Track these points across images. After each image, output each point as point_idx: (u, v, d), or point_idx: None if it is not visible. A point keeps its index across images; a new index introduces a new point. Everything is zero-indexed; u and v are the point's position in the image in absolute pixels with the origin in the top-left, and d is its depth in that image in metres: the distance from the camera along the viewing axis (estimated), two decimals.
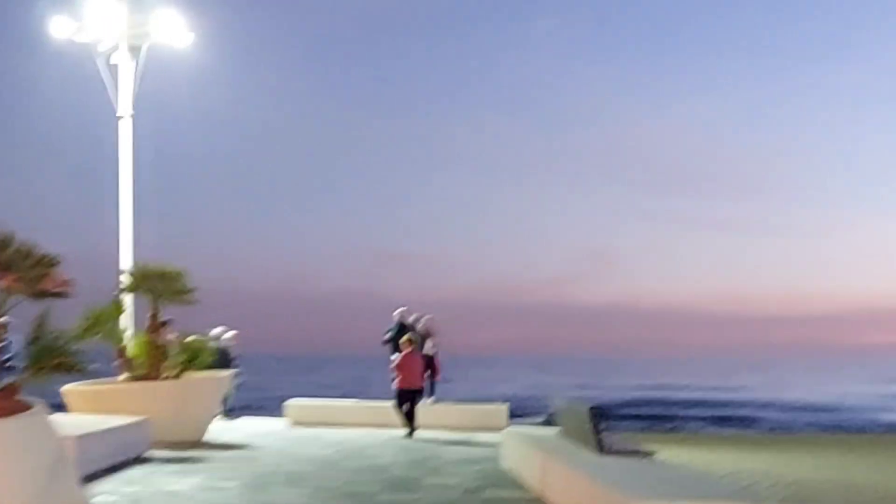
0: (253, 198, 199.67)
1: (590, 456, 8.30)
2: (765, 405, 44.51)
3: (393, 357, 15.98)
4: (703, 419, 36.01)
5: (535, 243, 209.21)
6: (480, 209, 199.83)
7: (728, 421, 35.24)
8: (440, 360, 17.69)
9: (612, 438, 8.60)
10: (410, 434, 15.20)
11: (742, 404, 44.97)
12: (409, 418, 15.39)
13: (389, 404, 16.31)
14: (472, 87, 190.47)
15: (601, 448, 8.32)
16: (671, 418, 35.54)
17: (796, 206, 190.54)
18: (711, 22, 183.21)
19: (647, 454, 8.38)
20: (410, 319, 17.59)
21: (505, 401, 19.27)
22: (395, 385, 15.52)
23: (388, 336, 17.27)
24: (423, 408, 16.77)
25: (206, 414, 14.59)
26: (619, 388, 64.15)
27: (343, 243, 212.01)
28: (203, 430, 14.31)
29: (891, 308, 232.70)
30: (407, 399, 15.44)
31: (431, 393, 17.44)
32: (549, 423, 15.29)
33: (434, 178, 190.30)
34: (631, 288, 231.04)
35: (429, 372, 17.20)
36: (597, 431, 8.37)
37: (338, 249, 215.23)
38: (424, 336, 17.39)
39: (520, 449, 10.03)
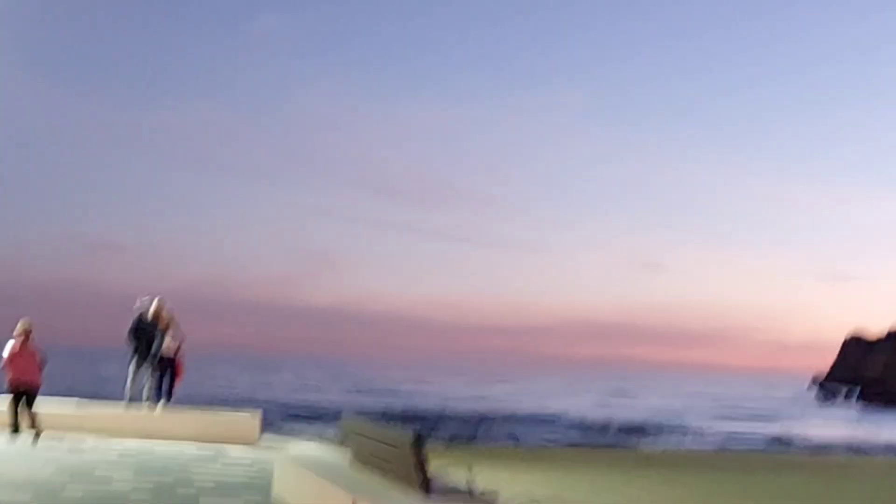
0: None
1: (413, 500, 6.18)
2: (511, 417, 44.23)
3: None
4: (464, 431, 34.77)
5: (259, 241, 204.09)
6: (202, 203, 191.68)
7: (486, 434, 34.26)
8: (183, 358, 15.40)
9: (438, 475, 6.55)
10: (32, 437, 12.76)
11: (491, 416, 44.42)
12: (16, 420, 13.04)
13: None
14: (195, 81, 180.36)
15: (427, 489, 6.24)
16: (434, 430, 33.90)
17: (514, 219, 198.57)
18: (441, 34, 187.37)
19: (488, 495, 6.39)
20: (152, 309, 15.23)
21: (256, 406, 17.14)
22: (6, 382, 13.21)
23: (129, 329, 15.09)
24: (153, 415, 14.78)
25: None
26: (366, 393, 62.61)
27: (52, 231, 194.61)
28: None
29: (596, 321, 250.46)
30: (21, 398, 13.17)
31: (169, 397, 15.18)
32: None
33: (154, 168, 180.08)
34: (353, 291, 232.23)
35: (168, 372, 15.16)
36: (422, 468, 6.27)
37: (47, 237, 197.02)
38: (165, 329, 15.16)
39: (309, 482, 7.63)
